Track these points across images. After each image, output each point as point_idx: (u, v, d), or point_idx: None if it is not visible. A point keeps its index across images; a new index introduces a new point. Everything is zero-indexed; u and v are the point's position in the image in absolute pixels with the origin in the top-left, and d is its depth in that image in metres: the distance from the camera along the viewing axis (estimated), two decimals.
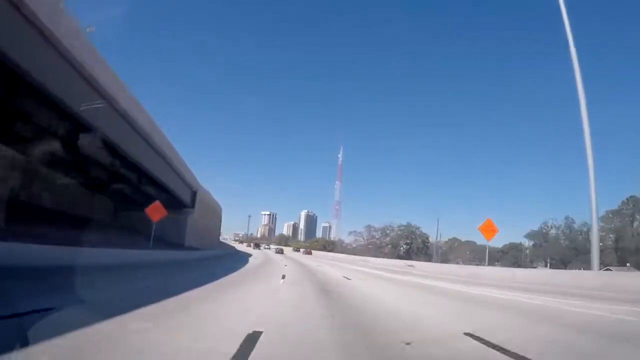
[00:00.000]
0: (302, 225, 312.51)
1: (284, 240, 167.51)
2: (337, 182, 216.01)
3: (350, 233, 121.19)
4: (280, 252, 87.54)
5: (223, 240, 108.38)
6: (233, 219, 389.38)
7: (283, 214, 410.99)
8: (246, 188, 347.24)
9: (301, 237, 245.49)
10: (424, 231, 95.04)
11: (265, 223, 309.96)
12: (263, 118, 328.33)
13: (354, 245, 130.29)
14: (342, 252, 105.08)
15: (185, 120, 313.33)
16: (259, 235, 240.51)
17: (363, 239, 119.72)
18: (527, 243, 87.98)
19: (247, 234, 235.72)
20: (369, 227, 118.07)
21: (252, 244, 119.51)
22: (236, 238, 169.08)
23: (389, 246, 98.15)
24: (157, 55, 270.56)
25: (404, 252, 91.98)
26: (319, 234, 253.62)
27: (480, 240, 67.25)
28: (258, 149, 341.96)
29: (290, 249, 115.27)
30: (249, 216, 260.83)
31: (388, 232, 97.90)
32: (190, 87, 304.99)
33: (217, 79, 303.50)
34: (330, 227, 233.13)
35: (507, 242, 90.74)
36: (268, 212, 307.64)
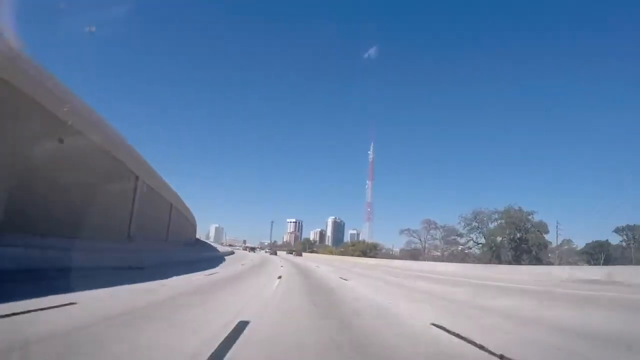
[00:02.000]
0: (329, 232, 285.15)
1: (309, 246, 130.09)
2: (368, 181, 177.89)
3: (402, 232, 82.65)
4: (274, 253, 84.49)
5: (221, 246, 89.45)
6: (259, 228, 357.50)
7: (309, 222, 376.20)
8: (271, 196, 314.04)
9: (328, 243, 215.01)
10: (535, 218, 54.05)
11: (291, 231, 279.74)
12: (288, 124, 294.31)
13: (394, 250, 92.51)
14: (385, 258, 75.06)
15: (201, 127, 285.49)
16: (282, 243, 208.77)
17: (420, 239, 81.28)
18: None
19: (271, 242, 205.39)
20: (427, 222, 79.49)
21: (247, 248, 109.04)
22: (257, 246, 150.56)
23: (479, 245, 58.14)
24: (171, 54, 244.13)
25: (511, 254, 51.82)
26: (347, 239, 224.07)
27: None
28: (283, 155, 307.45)
29: (284, 252, 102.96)
30: (272, 222, 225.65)
31: (478, 222, 57.73)
32: (198, 94, 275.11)
33: (235, 85, 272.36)
34: (358, 233, 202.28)
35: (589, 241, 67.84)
36: (294, 220, 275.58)
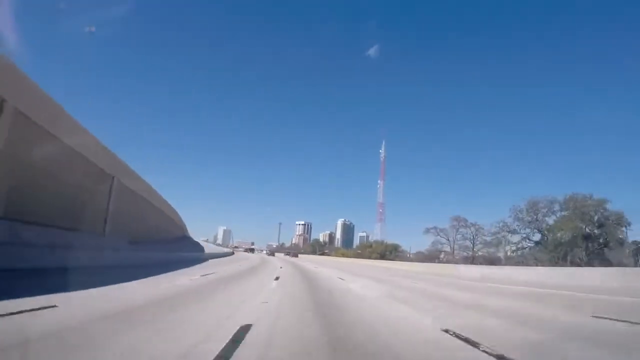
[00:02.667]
0: (338, 235, 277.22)
1: (319, 248, 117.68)
2: (379, 181, 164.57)
3: (427, 231, 70.01)
4: (272, 254, 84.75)
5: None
6: (268, 230, 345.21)
7: (319, 224, 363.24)
8: (280, 198, 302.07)
9: (338, 245, 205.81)
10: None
11: (300, 233, 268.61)
12: (295, 126, 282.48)
13: (411, 253, 79.60)
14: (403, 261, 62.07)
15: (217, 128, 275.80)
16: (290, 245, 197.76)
17: (447, 239, 68.68)
18: None
19: (278, 244, 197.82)
20: (457, 220, 66.85)
21: (247, 250, 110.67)
22: (265, 248, 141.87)
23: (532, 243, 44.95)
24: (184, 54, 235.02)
25: (584, 253, 38.68)
26: (356, 242, 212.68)
27: None
28: (292, 157, 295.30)
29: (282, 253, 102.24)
30: (279, 223, 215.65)
31: (535, 214, 44.44)
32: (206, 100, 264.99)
33: (242, 87, 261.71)
34: (367, 236, 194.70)
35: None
36: (303, 222, 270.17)
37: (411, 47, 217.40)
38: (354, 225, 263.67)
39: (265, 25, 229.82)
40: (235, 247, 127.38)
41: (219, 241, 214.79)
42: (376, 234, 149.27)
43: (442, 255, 73.69)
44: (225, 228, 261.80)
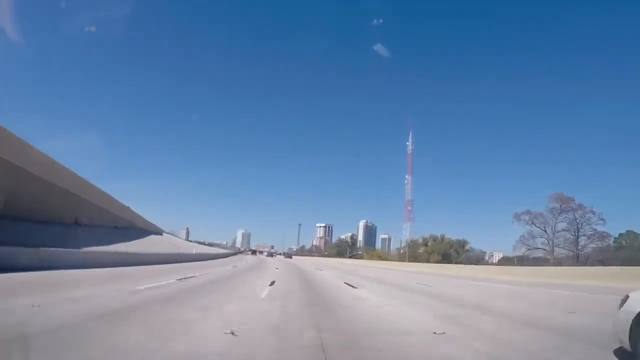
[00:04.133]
0: (360, 237, 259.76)
1: (350, 249, 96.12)
2: (407, 176, 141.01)
3: (517, 217, 48.48)
4: (270, 255, 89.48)
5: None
6: (288, 233, 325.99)
7: (340, 226, 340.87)
8: (300, 201, 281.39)
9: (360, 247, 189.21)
10: None
11: (321, 235, 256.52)
12: (317, 127, 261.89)
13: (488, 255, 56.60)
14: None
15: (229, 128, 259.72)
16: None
17: (545, 230, 46.13)
18: None
19: (298, 246, 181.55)
20: (560, 199, 44.57)
21: (251, 252, 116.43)
22: (284, 251, 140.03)
23: None
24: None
25: None
26: (378, 245, 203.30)
27: None
28: (311, 158, 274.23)
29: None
30: (299, 225, 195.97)
31: None
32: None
33: (258, 89, 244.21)
34: (390, 238, 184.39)
35: None
36: (323, 224, 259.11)
37: (432, 38, 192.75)
38: (376, 227, 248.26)
39: (279, 23, 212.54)
40: (252, 249, 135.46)
41: (238, 244, 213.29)
42: (405, 234, 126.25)
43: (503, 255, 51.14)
44: (243, 232, 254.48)
